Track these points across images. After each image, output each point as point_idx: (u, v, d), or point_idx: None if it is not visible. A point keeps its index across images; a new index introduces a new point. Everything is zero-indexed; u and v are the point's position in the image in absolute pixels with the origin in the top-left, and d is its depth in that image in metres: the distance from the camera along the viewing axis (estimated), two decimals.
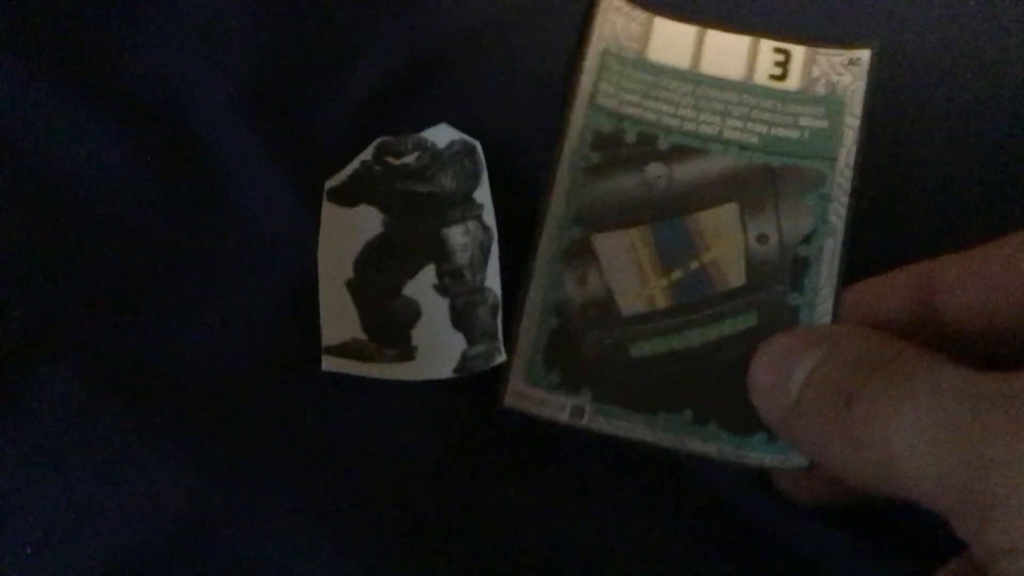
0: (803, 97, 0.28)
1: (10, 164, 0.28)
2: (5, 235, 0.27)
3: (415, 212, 0.28)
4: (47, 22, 0.29)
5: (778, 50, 0.29)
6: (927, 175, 0.28)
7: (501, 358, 0.26)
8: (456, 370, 0.26)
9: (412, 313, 0.27)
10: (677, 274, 0.27)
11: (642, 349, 0.27)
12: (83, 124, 0.28)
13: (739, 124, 0.28)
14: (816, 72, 0.29)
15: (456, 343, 0.27)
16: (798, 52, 0.29)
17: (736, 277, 0.27)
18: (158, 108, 0.29)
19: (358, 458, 0.25)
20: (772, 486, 0.25)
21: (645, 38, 0.29)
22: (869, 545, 0.24)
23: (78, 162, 0.28)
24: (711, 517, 0.25)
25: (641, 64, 0.29)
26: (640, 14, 0.29)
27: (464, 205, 0.28)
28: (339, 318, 0.27)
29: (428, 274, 0.28)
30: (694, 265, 0.27)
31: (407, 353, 0.27)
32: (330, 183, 0.28)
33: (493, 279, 0.27)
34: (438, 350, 0.27)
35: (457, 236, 0.28)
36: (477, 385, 0.26)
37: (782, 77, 0.29)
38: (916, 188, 0.28)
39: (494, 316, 0.27)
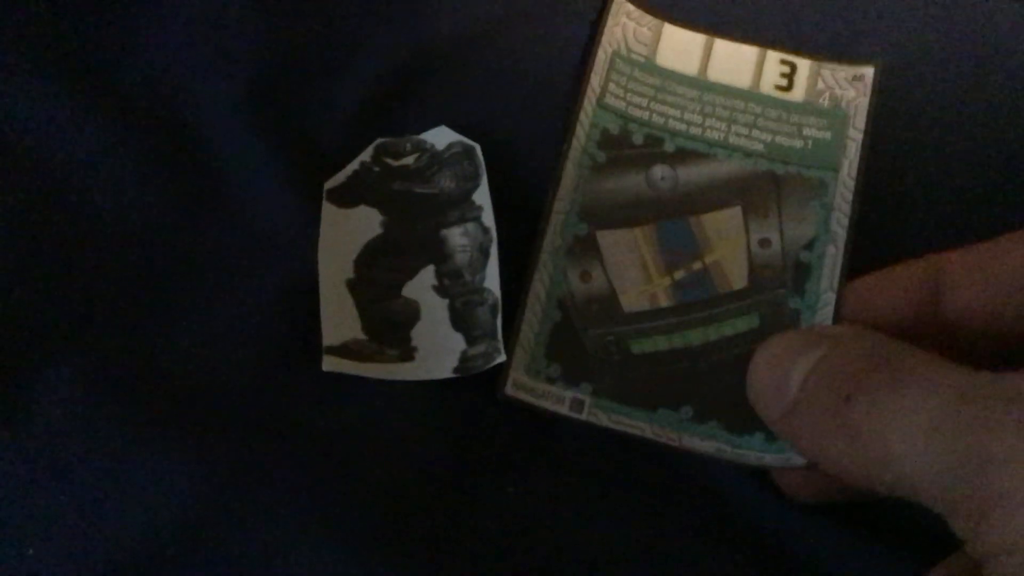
0: (807, 108, 0.29)
1: (11, 164, 0.28)
2: (5, 236, 0.27)
3: (414, 213, 0.28)
4: (48, 22, 0.29)
5: (784, 62, 0.29)
6: (929, 188, 0.28)
7: (501, 358, 0.26)
8: (456, 370, 0.26)
9: (412, 313, 0.27)
10: (680, 274, 0.27)
11: (643, 346, 0.27)
12: (83, 124, 0.28)
13: (744, 131, 0.29)
14: (821, 85, 0.29)
15: (456, 343, 0.27)
16: (803, 65, 0.29)
17: (738, 279, 0.27)
18: (158, 109, 0.29)
19: (359, 458, 0.25)
20: (771, 483, 0.25)
21: (654, 43, 0.30)
22: (867, 543, 0.24)
23: (78, 162, 0.28)
24: (710, 515, 0.25)
25: (650, 68, 0.29)
26: (650, 20, 0.30)
27: (463, 206, 0.28)
28: (340, 318, 0.27)
29: (427, 275, 0.27)
30: (697, 266, 0.27)
31: (407, 353, 0.27)
32: (329, 184, 0.28)
33: (492, 280, 0.27)
34: (438, 350, 0.27)
35: (456, 237, 0.28)
36: (477, 385, 0.26)
37: (787, 88, 0.29)
38: (918, 199, 0.28)
39: (494, 316, 0.27)
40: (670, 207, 0.28)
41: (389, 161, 0.28)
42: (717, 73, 0.29)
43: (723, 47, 0.30)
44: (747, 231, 0.28)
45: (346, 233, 0.28)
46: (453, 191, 0.28)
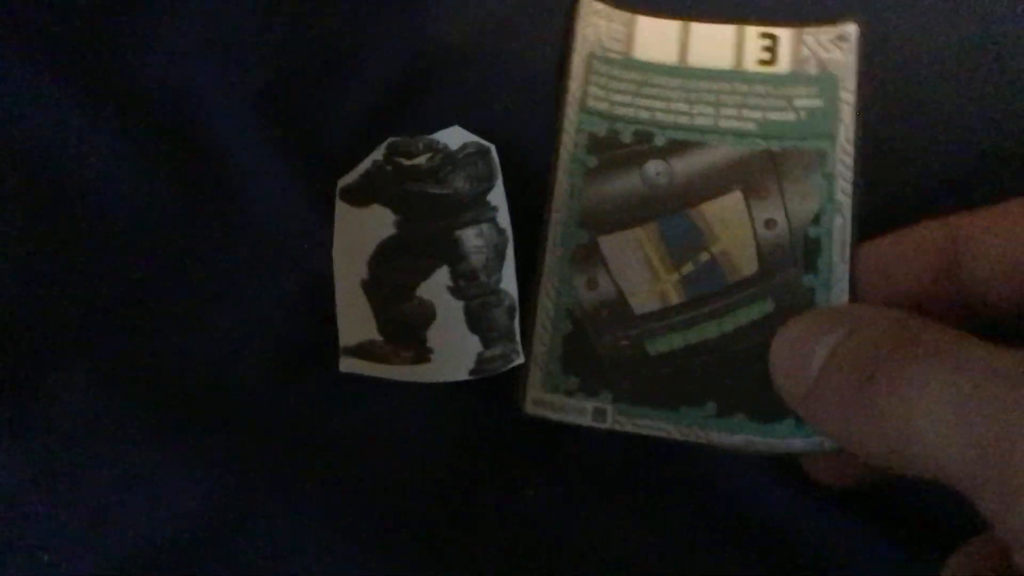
0: (795, 79, 0.28)
1: (21, 169, 0.28)
2: (17, 241, 0.27)
3: (428, 213, 0.28)
4: (57, 27, 0.29)
5: (764, 35, 0.29)
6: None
7: (519, 360, 0.26)
8: (472, 372, 0.26)
9: (427, 314, 0.27)
10: (687, 268, 0.27)
11: (659, 346, 0.26)
12: (93, 129, 0.28)
13: (734, 112, 0.28)
14: (805, 52, 0.28)
15: (472, 345, 0.27)
16: (784, 35, 0.29)
17: (748, 265, 0.27)
18: (168, 113, 0.29)
19: (374, 460, 0.25)
20: (793, 481, 0.24)
21: (629, 38, 0.29)
22: (893, 540, 0.23)
23: (89, 167, 0.28)
24: (732, 514, 0.25)
25: (628, 64, 0.29)
26: (622, 14, 0.29)
27: (478, 207, 0.28)
28: (355, 318, 0.27)
29: (442, 276, 0.27)
30: (704, 257, 0.27)
31: (423, 355, 0.27)
32: (342, 182, 0.28)
33: (509, 281, 0.27)
34: (454, 352, 0.26)
35: (471, 238, 0.28)
36: (494, 386, 0.26)
37: (771, 62, 0.28)
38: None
39: (511, 318, 0.26)
40: (669, 201, 0.27)
41: (401, 161, 0.28)
42: (697, 58, 0.29)
43: (700, 30, 0.29)
44: (750, 214, 0.27)
45: (360, 233, 0.28)
46: (467, 192, 0.28)
